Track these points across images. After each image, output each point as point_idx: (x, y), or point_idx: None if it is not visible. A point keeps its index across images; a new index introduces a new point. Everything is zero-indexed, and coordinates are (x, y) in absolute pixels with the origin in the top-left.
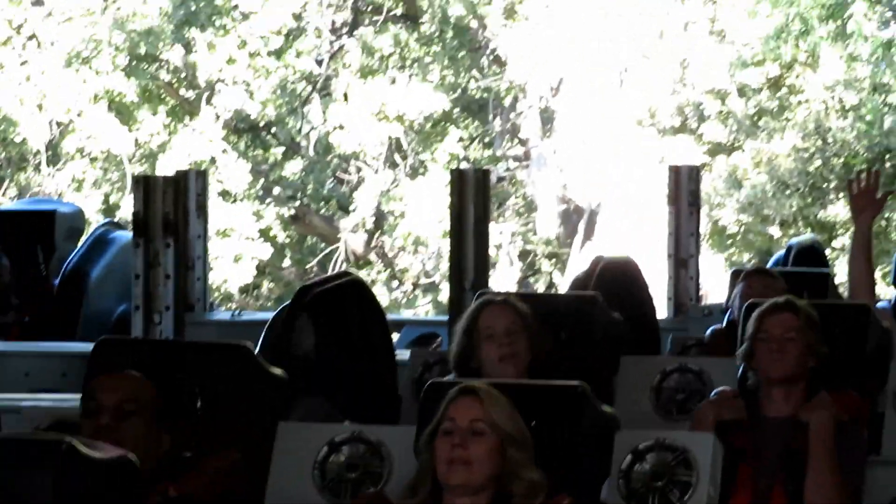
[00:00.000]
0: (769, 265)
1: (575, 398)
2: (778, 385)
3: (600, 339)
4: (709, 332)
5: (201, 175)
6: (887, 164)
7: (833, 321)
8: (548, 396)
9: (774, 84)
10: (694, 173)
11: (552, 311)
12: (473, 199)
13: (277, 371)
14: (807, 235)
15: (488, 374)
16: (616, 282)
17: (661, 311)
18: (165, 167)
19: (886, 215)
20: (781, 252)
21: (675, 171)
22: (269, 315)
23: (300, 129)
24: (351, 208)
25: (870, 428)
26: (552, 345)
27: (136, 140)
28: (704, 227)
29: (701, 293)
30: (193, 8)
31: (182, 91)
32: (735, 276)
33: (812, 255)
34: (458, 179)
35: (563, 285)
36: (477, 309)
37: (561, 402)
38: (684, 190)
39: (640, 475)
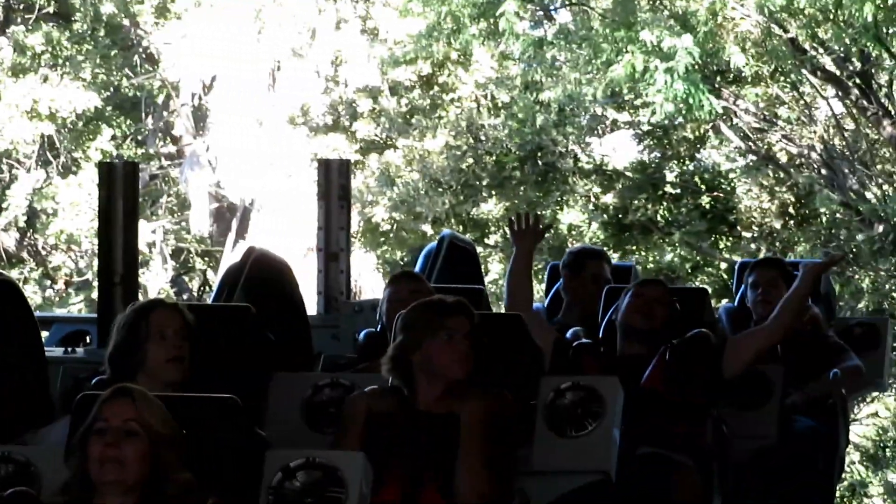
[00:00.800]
0: (421, 257)
1: (226, 411)
2: (438, 382)
3: (252, 354)
4: (362, 335)
5: None
6: (539, 162)
7: (490, 330)
8: (201, 407)
9: (426, 82)
10: (344, 167)
11: (205, 320)
12: (122, 193)
13: None
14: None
15: (153, 374)
16: (267, 273)
17: (313, 307)
18: None
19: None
20: (433, 244)
21: (325, 166)
22: None
23: None
24: (3, 206)
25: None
26: (206, 355)
27: None
28: (357, 225)
29: (354, 290)
30: None
31: None
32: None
33: (466, 255)
34: (107, 173)
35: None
36: (146, 308)
37: (212, 413)
38: (334, 184)
39: (290, 492)
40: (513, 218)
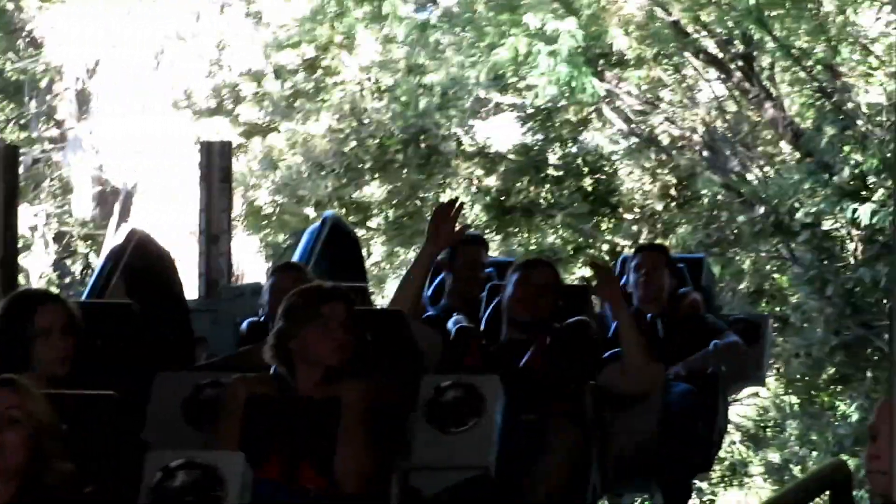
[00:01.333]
0: (304, 237)
1: (105, 408)
2: (317, 368)
3: (135, 351)
4: (245, 324)
5: None
6: (422, 145)
7: (372, 326)
8: (81, 404)
9: (310, 66)
10: (226, 150)
11: (89, 316)
12: (2, 176)
13: None
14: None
15: (37, 370)
16: (147, 258)
17: (195, 290)
18: None
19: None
20: (316, 224)
21: (207, 147)
22: None
23: None
24: None
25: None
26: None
27: None
28: (240, 209)
29: (236, 274)
30: None
31: None
32: None
33: (348, 240)
34: None
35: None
36: (31, 302)
37: (92, 410)
38: (216, 167)
39: (169, 492)
40: (437, 209)
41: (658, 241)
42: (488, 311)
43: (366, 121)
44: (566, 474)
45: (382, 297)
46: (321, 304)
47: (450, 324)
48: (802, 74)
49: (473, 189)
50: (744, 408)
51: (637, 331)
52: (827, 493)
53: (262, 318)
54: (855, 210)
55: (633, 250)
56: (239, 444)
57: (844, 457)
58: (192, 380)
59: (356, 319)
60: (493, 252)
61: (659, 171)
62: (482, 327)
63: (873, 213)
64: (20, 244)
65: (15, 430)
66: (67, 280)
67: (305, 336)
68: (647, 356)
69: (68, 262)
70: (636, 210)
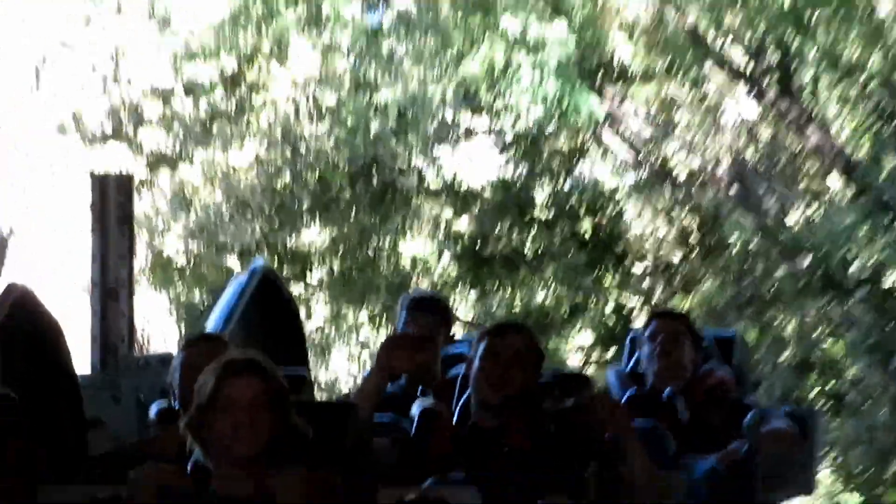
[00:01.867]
0: (227, 295)
1: None
2: (236, 463)
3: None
4: (154, 410)
5: None
6: (374, 179)
7: (318, 417)
8: None
9: (231, 81)
10: (125, 184)
11: None
12: None
13: None
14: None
15: None
16: (29, 322)
17: (87, 361)
18: None
19: None
20: (242, 277)
21: (101, 182)
22: None
23: None
24: None
25: None
26: None
27: None
28: (145, 259)
29: (140, 340)
30: None
31: None
32: None
33: (276, 292)
34: None
35: None
36: None
37: None
38: (112, 204)
39: None
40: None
41: (676, 297)
42: (461, 402)
43: (303, 149)
44: None
45: (326, 371)
46: (224, 381)
47: (414, 408)
48: (854, 91)
49: (441, 235)
50: None
51: (645, 458)
52: None
53: (173, 404)
54: None
55: (645, 320)
56: None
57: None
58: (82, 494)
59: (276, 397)
60: (468, 314)
61: (675, 211)
62: (455, 420)
63: None
64: None
65: None
66: None
67: (213, 424)
68: (655, 479)
69: None
70: (647, 261)
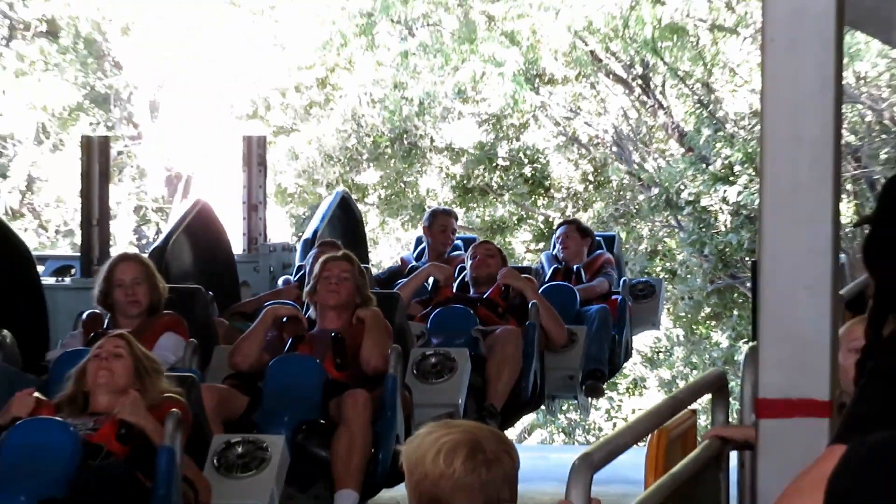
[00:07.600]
0: (322, 207)
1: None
2: (325, 309)
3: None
4: (281, 281)
5: None
6: (405, 142)
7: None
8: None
9: (322, 83)
10: (262, 142)
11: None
12: (98, 159)
13: None
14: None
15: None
16: (204, 221)
17: (240, 246)
18: None
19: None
20: (331, 196)
21: (248, 141)
22: None
23: None
24: (8, 175)
25: None
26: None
27: None
28: (272, 188)
29: (269, 235)
30: None
31: None
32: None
33: (353, 216)
34: (86, 145)
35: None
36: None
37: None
38: (254, 154)
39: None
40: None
41: (578, 214)
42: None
43: (363, 124)
44: (511, 373)
45: (377, 255)
46: (324, 263)
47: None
48: (686, 90)
49: (443, 175)
50: (642, 337)
51: (549, 306)
52: (708, 395)
53: (295, 278)
54: (725, 191)
55: (558, 223)
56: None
57: None
58: (222, 438)
59: (356, 274)
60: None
61: (580, 161)
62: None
63: (738, 194)
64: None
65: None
66: (143, 242)
67: (318, 289)
68: (558, 322)
69: (144, 228)
70: (563, 190)
